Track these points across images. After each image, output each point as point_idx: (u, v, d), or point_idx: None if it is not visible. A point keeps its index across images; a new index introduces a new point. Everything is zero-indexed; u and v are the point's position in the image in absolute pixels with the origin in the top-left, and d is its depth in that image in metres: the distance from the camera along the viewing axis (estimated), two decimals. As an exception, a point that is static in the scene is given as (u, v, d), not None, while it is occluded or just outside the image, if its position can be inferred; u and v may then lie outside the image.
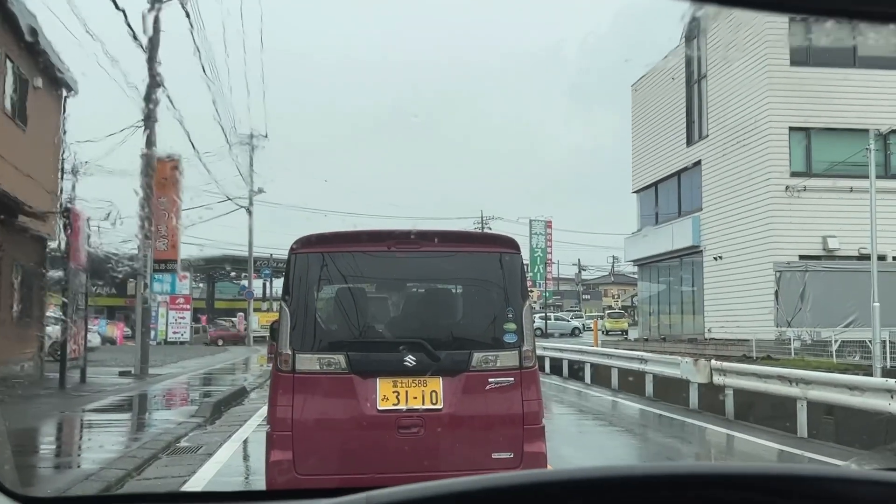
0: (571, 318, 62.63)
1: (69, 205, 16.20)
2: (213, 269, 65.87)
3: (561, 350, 22.58)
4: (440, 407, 4.89)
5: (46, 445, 9.78)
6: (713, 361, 13.17)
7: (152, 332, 50.95)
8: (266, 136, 49.08)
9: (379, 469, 4.80)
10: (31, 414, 11.67)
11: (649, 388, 15.55)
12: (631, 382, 17.03)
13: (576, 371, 20.65)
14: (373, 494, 0.99)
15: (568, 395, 17.49)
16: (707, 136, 29.19)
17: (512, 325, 5.07)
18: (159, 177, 20.48)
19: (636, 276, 41.66)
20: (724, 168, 27.58)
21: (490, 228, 70.63)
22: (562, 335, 51.29)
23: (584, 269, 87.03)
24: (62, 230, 15.88)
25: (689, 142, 30.70)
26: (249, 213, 50.02)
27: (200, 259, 60.75)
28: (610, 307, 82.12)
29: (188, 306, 51.91)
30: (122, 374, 19.94)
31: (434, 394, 4.90)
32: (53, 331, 25.78)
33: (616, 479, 1.09)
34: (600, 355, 19.15)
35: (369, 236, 5.36)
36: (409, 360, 4.90)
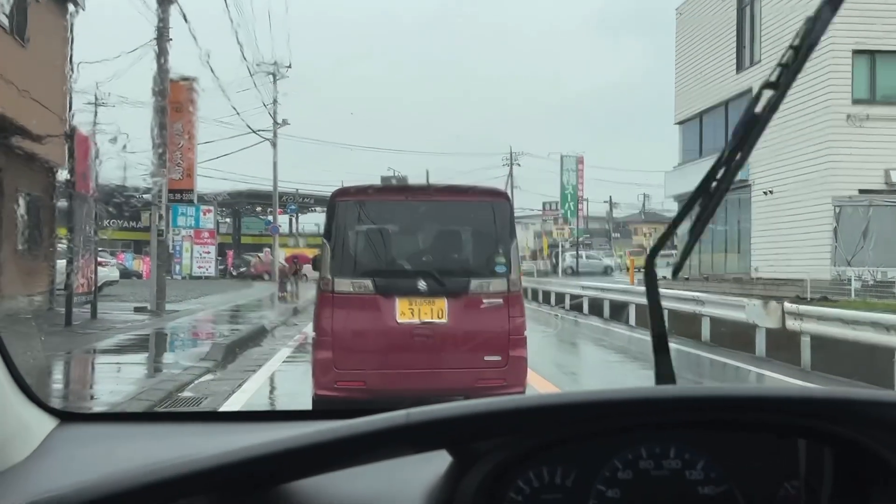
0: (603, 257, 61.13)
1: (74, 127, 14.79)
2: (238, 204, 64.88)
3: (602, 290, 20.99)
4: (445, 321, 6.13)
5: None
6: (786, 304, 11.67)
7: (177, 267, 50.40)
8: (290, 66, 47.58)
9: (398, 366, 6.11)
10: (25, 353, 10.49)
11: (706, 331, 14.07)
12: (683, 325, 15.60)
13: (619, 312, 19.15)
14: (412, 412, 0.99)
15: (612, 338, 16.12)
16: (759, 61, 27.17)
17: (502, 259, 6.29)
18: (173, 100, 19.10)
19: (673, 213, 40.02)
20: (777, 96, 25.68)
21: (519, 165, 69.15)
22: (593, 274, 49.89)
23: (616, 206, 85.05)
24: (67, 155, 14.56)
25: (739, 68, 28.69)
26: (273, 145, 48.65)
27: (225, 193, 59.92)
28: (641, 246, 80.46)
29: (213, 241, 50.96)
30: (137, 310, 18.89)
31: (440, 311, 6.12)
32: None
33: (652, 400, 1.07)
34: (642, 295, 17.45)
35: (392, 189, 7.29)
36: (422, 284, 6.11)
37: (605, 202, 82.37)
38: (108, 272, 25.93)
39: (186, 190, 19.91)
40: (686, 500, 1.20)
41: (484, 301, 6.21)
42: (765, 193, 26.36)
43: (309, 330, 15.99)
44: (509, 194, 6.97)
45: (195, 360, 10.25)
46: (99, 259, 25.85)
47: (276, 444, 0.95)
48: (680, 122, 33.81)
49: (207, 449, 0.98)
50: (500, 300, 6.22)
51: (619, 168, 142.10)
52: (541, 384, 8.55)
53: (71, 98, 18.93)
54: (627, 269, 59.06)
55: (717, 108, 30.45)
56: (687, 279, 30.71)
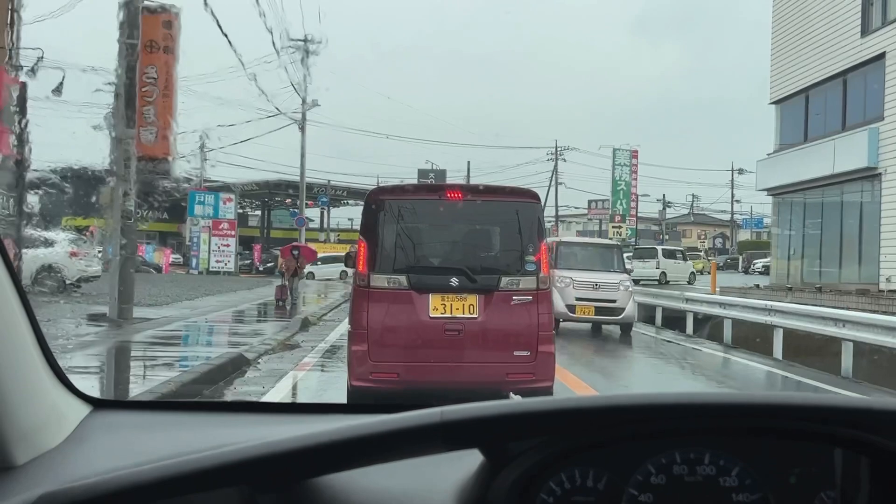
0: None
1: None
2: (267, 195, 60.54)
3: (726, 305, 15.13)
4: (476, 316, 6.42)
5: None
6: None
7: (193, 261, 45.91)
8: (321, 42, 42.74)
9: (430, 359, 6.41)
10: None
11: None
12: (872, 366, 10.35)
13: (754, 337, 13.69)
14: (447, 410, 0.99)
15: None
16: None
17: (531, 257, 6.55)
18: (145, 38, 14.22)
19: (725, 216, 34.37)
20: (924, 61, 20.25)
21: (564, 160, 63.84)
22: (651, 280, 44.33)
23: (670, 206, 79.07)
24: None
25: (866, 30, 23.24)
26: (302, 129, 43.86)
27: (253, 182, 55.70)
28: (694, 248, 74.80)
29: (233, 232, 46.17)
30: (92, 318, 14.14)
31: (472, 306, 6.42)
32: (43, 254, 20.23)
33: (688, 406, 1.06)
34: (807, 318, 11.85)
35: (426, 188, 8.88)
36: (454, 281, 6.41)
37: (658, 200, 76.49)
38: (86, 265, 21.29)
39: (160, 158, 14.93)
40: None
41: (514, 297, 6.44)
42: (903, 184, 20.94)
43: (311, 359, 11.12)
44: (542, 194, 4.68)
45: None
46: (74, 249, 21.31)
47: (312, 437, 0.96)
48: (777, 101, 28.32)
49: (242, 440, 0.98)
50: (530, 297, 6.45)
51: (667, 165, 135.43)
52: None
53: (14, 27, 14.30)
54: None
55: (831, 82, 24.99)
56: (790, 289, 25.27)
